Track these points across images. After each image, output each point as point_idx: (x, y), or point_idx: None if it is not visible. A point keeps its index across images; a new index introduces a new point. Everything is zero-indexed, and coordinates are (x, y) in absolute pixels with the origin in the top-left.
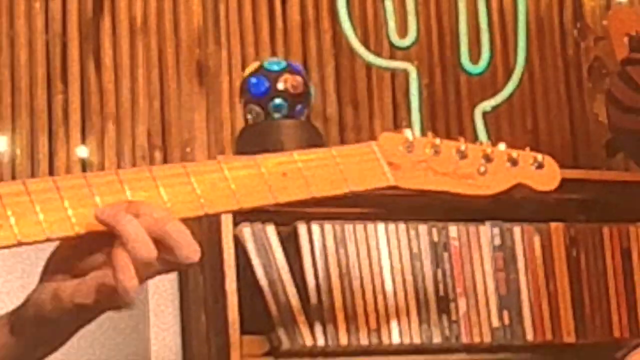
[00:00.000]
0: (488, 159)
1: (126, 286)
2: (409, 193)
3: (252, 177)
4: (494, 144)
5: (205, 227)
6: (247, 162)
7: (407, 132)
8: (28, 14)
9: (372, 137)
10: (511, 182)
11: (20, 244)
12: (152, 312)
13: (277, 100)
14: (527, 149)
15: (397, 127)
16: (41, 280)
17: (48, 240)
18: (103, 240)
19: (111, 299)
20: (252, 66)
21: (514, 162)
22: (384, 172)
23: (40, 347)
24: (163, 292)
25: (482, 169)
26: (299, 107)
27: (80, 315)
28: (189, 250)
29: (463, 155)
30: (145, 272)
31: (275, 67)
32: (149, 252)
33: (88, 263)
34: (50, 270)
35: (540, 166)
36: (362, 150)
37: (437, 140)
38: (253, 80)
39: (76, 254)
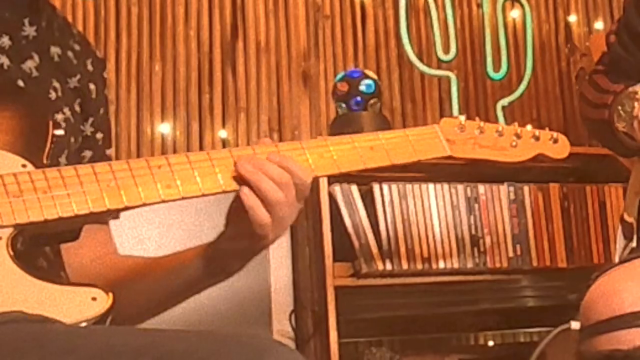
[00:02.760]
0: (518, 136)
1: (256, 215)
2: (452, 162)
3: (349, 150)
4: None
5: None
6: (345, 139)
7: (461, 118)
8: (186, 38)
9: (425, 123)
10: (535, 152)
11: (183, 198)
12: (270, 248)
13: (363, 98)
14: (547, 129)
15: (442, 117)
16: (225, 223)
17: (203, 195)
18: None
19: (255, 234)
20: (342, 73)
21: (536, 138)
22: (443, 146)
23: (219, 274)
24: None
25: (514, 143)
26: (371, 101)
27: (245, 252)
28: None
29: (500, 134)
30: (277, 211)
31: (355, 75)
32: (275, 192)
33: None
34: (227, 220)
35: (555, 141)
36: (428, 130)
37: (482, 123)
38: (347, 83)
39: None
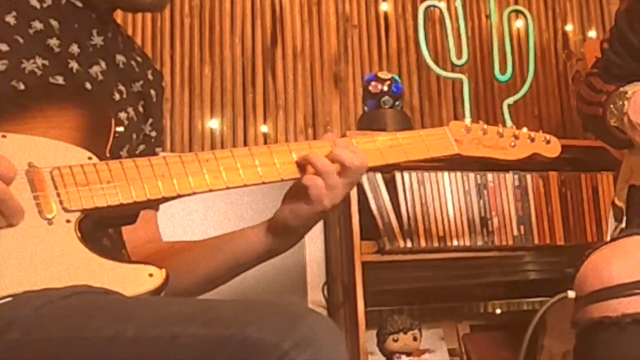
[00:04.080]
0: (516, 137)
1: (320, 196)
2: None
3: (371, 148)
4: (518, 126)
5: None
6: (368, 138)
7: (467, 121)
8: (232, 45)
9: (440, 120)
10: (530, 152)
11: (228, 188)
12: None
13: (386, 97)
14: (540, 131)
15: (455, 115)
16: (283, 204)
17: (244, 185)
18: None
19: (318, 206)
20: (369, 75)
21: (532, 139)
22: (451, 145)
23: (282, 245)
24: None
25: (513, 143)
26: (397, 102)
27: (308, 223)
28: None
29: (501, 135)
30: (336, 188)
31: (386, 77)
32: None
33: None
34: (287, 198)
35: (548, 142)
36: (439, 131)
37: (485, 126)
38: (372, 84)
39: (299, 190)
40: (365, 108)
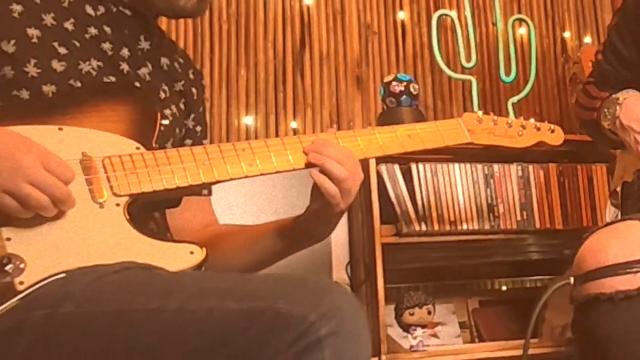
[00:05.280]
0: (523, 127)
1: (326, 189)
2: (473, 147)
3: (391, 137)
4: (526, 120)
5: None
6: (389, 129)
7: (479, 113)
8: (265, 49)
9: (451, 117)
10: (536, 140)
11: (262, 174)
12: None
13: (405, 97)
14: (546, 122)
15: (464, 112)
16: (310, 202)
17: (277, 172)
18: None
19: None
20: (390, 77)
21: (538, 129)
22: (465, 135)
23: (290, 249)
24: None
25: (520, 132)
26: (414, 101)
27: (327, 218)
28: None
29: (510, 125)
30: (344, 187)
31: (405, 78)
32: (342, 172)
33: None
34: (311, 196)
35: (552, 131)
36: (453, 122)
37: (495, 117)
38: (393, 84)
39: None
40: (384, 106)
